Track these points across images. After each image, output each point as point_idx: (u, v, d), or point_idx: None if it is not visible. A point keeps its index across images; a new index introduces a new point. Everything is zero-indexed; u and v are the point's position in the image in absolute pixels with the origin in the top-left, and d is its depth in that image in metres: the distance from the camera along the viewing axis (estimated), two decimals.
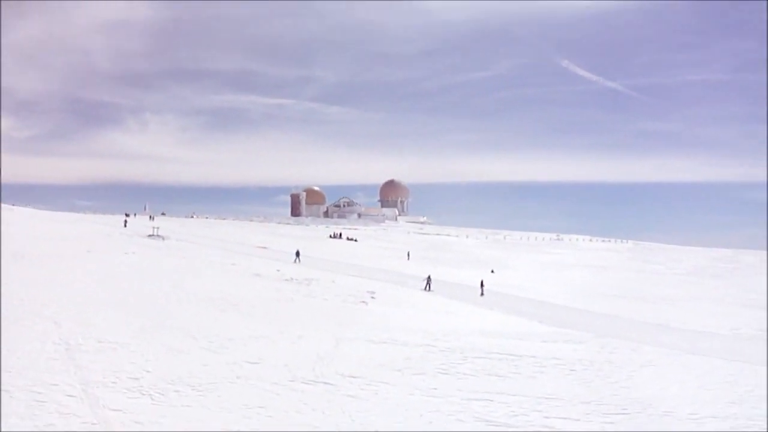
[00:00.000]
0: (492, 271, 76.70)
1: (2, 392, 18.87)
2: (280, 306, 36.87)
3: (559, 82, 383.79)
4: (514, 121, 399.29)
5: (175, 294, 36.94)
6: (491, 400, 22.06)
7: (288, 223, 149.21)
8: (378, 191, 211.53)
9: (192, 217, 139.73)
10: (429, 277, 52.13)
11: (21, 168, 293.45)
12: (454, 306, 43.74)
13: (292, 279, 46.59)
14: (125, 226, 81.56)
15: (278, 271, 50.60)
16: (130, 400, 19.42)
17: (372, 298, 42.17)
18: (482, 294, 50.50)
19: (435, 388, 23.14)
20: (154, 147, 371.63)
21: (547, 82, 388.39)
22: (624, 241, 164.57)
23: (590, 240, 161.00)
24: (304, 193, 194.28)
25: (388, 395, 22.02)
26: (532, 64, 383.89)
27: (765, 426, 21.03)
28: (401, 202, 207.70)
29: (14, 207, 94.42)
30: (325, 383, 22.75)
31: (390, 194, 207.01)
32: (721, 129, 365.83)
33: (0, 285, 33.60)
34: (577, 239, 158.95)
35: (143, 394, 20.06)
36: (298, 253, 63.75)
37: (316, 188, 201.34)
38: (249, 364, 24.33)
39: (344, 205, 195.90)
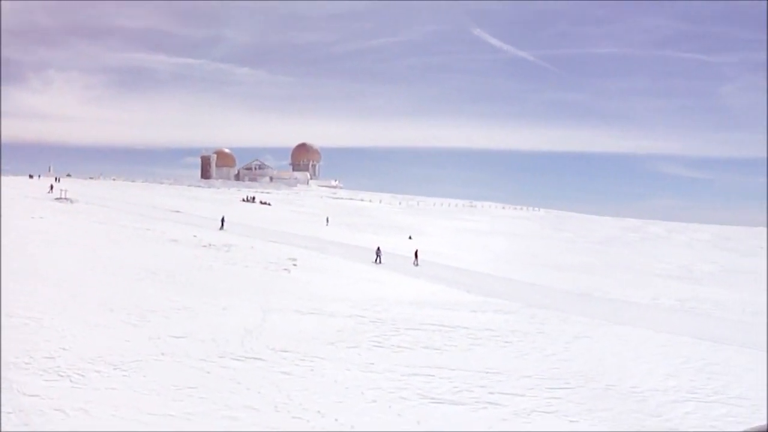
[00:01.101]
0: (410, 238, 76.33)
1: None
2: (201, 274, 35.14)
3: (471, 50, 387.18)
4: (425, 88, 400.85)
5: (89, 262, 34.70)
6: (432, 375, 21.30)
7: (199, 186, 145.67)
8: (289, 154, 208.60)
9: (92, 178, 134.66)
10: (379, 249, 50.39)
11: None
12: (379, 274, 42.82)
13: (210, 245, 44.70)
14: (51, 190, 75.73)
15: (195, 236, 48.52)
16: (47, 384, 17.65)
17: (294, 265, 40.77)
18: (417, 264, 49.20)
19: (372, 363, 22.24)
20: (58, 106, 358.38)
21: (459, 50, 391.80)
22: (536, 209, 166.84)
23: (503, 207, 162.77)
24: (215, 156, 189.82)
25: (324, 371, 20.93)
26: (445, 31, 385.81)
27: (706, 399, 20.86)
28: (313, 165, 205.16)
29: None
30: (257, 359, 21.47)
31: (302, 157, 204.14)
32: (629, 102, 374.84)
33: None
34: (490, 206, 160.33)
35: (61, 376, 18.30)
36: (223, 220, 60.82)
37: (226, 150, 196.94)
38: (174, 339, 22.77)
39: (256, 168, 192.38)
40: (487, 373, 21.98)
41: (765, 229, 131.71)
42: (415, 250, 51.96)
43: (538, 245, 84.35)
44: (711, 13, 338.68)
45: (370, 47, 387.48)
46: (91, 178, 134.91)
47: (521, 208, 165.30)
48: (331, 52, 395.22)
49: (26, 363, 18.93)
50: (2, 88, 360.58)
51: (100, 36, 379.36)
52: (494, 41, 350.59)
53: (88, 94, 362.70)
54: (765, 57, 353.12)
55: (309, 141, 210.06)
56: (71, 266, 33.27)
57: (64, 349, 20.50)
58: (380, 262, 48.45)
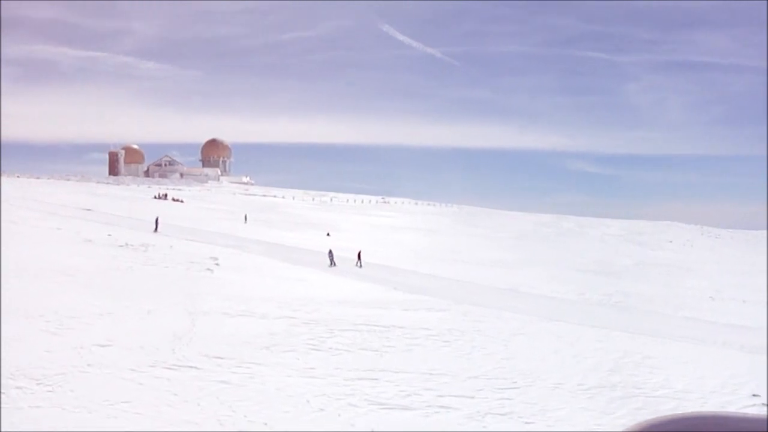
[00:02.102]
0: (328, 234, 75.18)
1: None
2: (120, 276, 33.29)
3: (380, 46, 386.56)
4: (334, 84, 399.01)
5: None
6: (376, 379, 20.51)
7: (107, 183, 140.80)
8: (199, 150, 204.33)
9: None
10: (331, 251, 48.38)
11: None
12: (303, 272, 41.59)
13: (126, 245, 42.60)
14: None
15: (110, 235, 46.26)
16: None
17: (216, 264, 39.22)
18: (333, 264, 47.27)
19: (312, 368, 21.30)
20: None
21: (368, 46, 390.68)
22: (448, 204, 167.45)
23: (416, 203, 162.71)
24: (123, 152, 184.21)
25: (264, 378, 19.83)
26: (353, 26, 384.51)
27: (653, 393, 20.73)
28: (223, 161, 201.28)
29: None
30: (191, 367, 20.19)
31: (212, 153, 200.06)
32: (535, 100, 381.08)
33: None
34: (402, 202, 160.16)
35: None
36: (157, 221, 57.49)
37: (134, 146, 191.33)
38: (99, 348, 21.22)
39: (166, 164, 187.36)
40: (432, 374, 21.31)
41: (670, 223, 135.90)
42: (358, 252, 50.01)
43: (454, 241, 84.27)
44: (613, 13, 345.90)
45: (279, 42, 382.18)
46: None
47: (434, 204, 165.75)
48: (240, 46, 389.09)
49: None
50: None
51: (0, 27, 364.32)
52: (402, 37, 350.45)
53: None
54: (665, 57, 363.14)
55: (219, 137, 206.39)
56: None
57: None
58: (335, 265, 46.61)
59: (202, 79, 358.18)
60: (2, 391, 16.83)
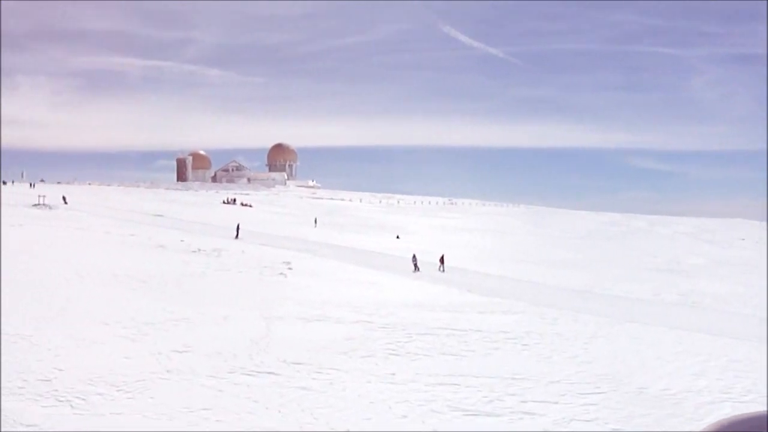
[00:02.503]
0: (397, 237, 75.07)
1: None
2: (194, 282, 33.46)
3: (441, 48, 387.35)
4: (397, 86, 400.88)
5: (75, 271, 32.87)
6: (458, 385, 20.01)
7: (176, 189, 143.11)
8: (264, 155, 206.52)
9: (68, 183, 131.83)
10: (414, 256, 47.03)
11: None
12: (375, 276, 41.33)
13: (199, 250, 42.97)
14: (65, 202, 72.51)
15: (182, 241, 46.78)
16: (44, 410, 16.03)
17: (289, 269, 39.18)
18: (417, 269, 45.95)
19: (392, 374, 20.91)
20: (27, 111, 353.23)
21: (429, 48, 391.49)
22: (516, 205, 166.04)
23: (483, 204, 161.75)
24: (191, 158, 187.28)
25: (345, 384, 19.48)
26: (414, 29, 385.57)
27: (741, 398, 19.80)
28: (289, 165, 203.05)
29: None
30: (270, 373, 19.98)
31: (278, 158, 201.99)
32: (599, 97, 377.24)
33: None
34: (470, 204, 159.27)
35: (60, 401, 16.66)
36: (238, 228, 56.93)
37: (202, 152, 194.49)
38: (177, 354, 21.19)
39: (233, 170, 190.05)
40: (514, 379, 20.80)
41: (741, 220, 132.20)
42: (441, 256, 48.76)
43: (524, 242, 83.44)
44: (677, 7, 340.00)
45: (340, 46, 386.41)
46: (59, 182, 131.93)
47: (501, 205, 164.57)
48: (301, 51, 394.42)
49: (20, 387, 17.31)
50: None
51: (67, 39, 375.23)
52: (464, 38, 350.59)
53: (57, 98, 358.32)
54: (731, 51, 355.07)
55: (284, 141, 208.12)
56: (56, 277, 31.47)
57: (59, 369, 18.87)
58: (418, 270, 45.46)
59: (265, 85, 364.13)
60: (83, 397, 16.90)
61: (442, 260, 47.88)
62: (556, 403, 18.74)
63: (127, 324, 24.20)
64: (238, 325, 25.54)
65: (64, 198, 74.36)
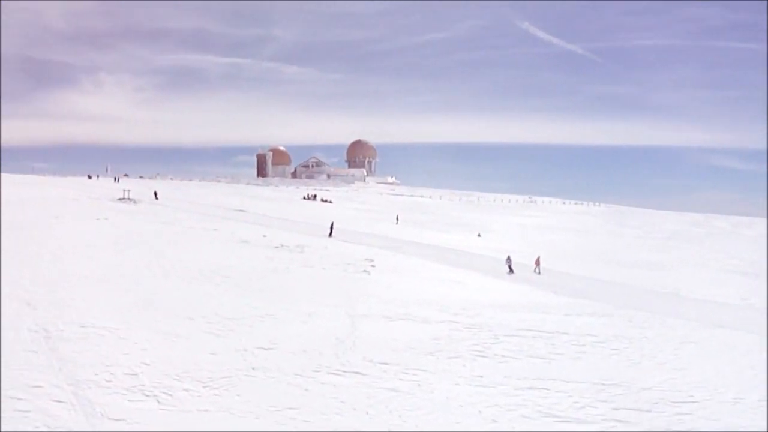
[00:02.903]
0: (479, 235, 74.17)
1: None
2: (278, 278, 33.42)
3: (519, 44, 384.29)
4: (474, 83, 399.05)
5: (160, 266, 33.29)
6: (547, 389, 19.68)
7: (257, 184, 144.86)
8: (342, 151, 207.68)
9: (150, 178, 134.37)
10: (509, 258, 45.17)
11: None
12: (459, 274, 40.65)
13: (282, 246, 43.01)
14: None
15: (265, 236, 46.96)
16: (131, 405, 16.11)
17: (372, 266, 38.88)
18: (511, 272, 44.18)
19: (480, 376, 20.55)
20: (110, 107, 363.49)
21: (506, 44, 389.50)
22: (596, 204, 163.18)
23: (563, 203, 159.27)
24: (270, 153, 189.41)
25: (432, 386, 19.16)
26: (492, 25, 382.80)
27: None
28: (369, 162, 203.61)
29: None
30: (356, 373, 19.76)
31: (357, 154, 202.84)
32: (679, 94, 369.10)
33: None
34: (549, 202, 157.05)
35: (147, 396, 16.73)
36: (332, 227, 56.23)
37: (281, 148, 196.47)
38: (262, 351, 21.12)
39: (313, 166, 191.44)
40: (604, 385, 20.33)
41: None
42: (536, 258, 47.29)
43: (606, 241, 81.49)
44: (761, 3, 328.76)
45: (419, 43, 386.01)
46: (141, 177, 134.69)
47: (581, 203, 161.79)
48: (380, 48, 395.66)
49: (107, 381, 17.45)
50: (56, 91, 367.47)
51: (149, 38, 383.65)
52: (542, 35, 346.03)
53: (139, 95, 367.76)
54: None
55: (364, 138, 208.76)
56: (141, 271, 31.90)
57: (146, 363, 18.97)
58: (512, 272, 43.70)
59: (344, 82, 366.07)
60: (170, 393, 16.89)
61: (537, 262, 46.52)
62: (649, 411, 18.32)
63: (212, 319, 24.25)
64: (322, 322, 25.39)
65: (155, 193, 75.67)
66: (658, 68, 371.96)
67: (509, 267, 44.14)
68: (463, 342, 24.16)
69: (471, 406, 17.75)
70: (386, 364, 20.74)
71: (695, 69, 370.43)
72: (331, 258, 40.40)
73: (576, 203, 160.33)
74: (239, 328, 23.54)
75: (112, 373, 17.91)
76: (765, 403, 19.30)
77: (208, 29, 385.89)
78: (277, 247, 42.72)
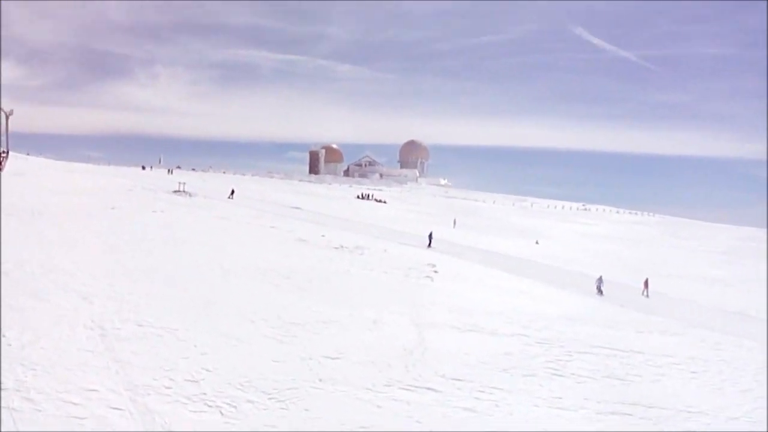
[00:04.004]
0: (537, 243, 72.94)
1: (25, 402, 14.51)
2: (339, 280, 32.29)
3: (572, 50, 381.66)
4: (526, 87, 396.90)
5: (218, 263, 32.26)
6: (630, 414, 18.69)
7: (310, 181, 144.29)
8: (393, 152, 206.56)
9: (203, 171, 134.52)
10: (600, 279, 41.35)
11: (31, 118, 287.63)
12: (524, 284, 39.29)
13: (341, 247, 41.82)
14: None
15: (323, 236, 45.84)
16: (194, 416, 15.06)
17: (435, 272, 37.56)
18: (647, 295, 42.25)
19: (559, 398, 19.44)
20: (165, 100, 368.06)
21: (560, 49, 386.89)
22: (651, 214, 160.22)
23: (617, 212, 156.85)
24: (323, 151, 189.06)
25: (511, 408, 18.06)
26: (545, 30, 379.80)
27: None
28: (421, 163, 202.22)
29: (29, 156, 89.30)
30: (430, 389, 18.62)
31: (410, 155, 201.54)
32: (732, 104, 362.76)
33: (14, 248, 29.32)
34: (603, 210, 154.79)
35: (209, 406, 15.67)
36: (431, 237, 53.04)
37: (334, 146, 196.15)
38: (329, 361, 19.98)
39: (366, 165, 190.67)
40: (690, 413, 19.36)
41: None
42: (645, 279, 44.20)
43: (664, 253, 79.49)
44: None
45: (473, 45, 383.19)
46: (194, 169, 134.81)
47: (635, 213, 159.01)
48: (434, 49, 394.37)
49: (167, 387, 16.42)
50: (112, 81, 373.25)
51: (205, 33, 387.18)
52: (596, 41, 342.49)
53: (194, 89, 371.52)
54: None
55: (417, 138, 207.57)
56: (200, 267, 30.93)
57: (206, 369, 17.91)
58: (602, 293, 40.22)
59: (397, 82, 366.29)
60: (234, 404, 15.80)
61: (646, 284, 43.50)
62: None
63: (274, 323, 23.16)
64: (389, 330, 24.27)
65: (232, 191, 73.87)
66: (713, 77, 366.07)
67: (598, 288, 40.79)
68: (537, 358, 23.04)
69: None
70: (460, 380, 19.57)
71: (751, 79, 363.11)
72: (392, 261, 39.16)
73: (630, 213, 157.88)
74: (303, 333, 22.42)
75: (171, 379, 16.88)
76: None
77: (263, 25, 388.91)
78: (336, 247, 41.60)
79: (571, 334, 27.00)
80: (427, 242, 52.28)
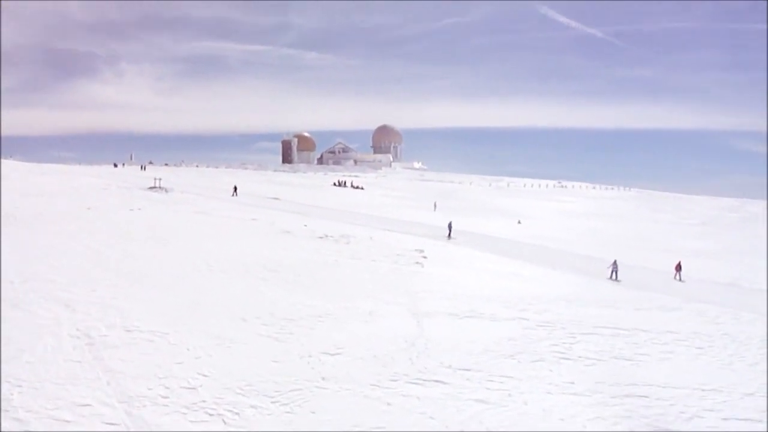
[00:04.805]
0: (519, 222, 72.57)
1: (14, 422, 13.55)
2: (328, 271, 31.44)
3: (539, 29, 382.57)
4: (493, 68, 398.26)
5: (203, 260, 31.33)
6: (647, 396, 18.10)
7: (284, 171, 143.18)
8: (366, 137, 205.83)
9: (176, 165, 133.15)
10: (615, 263, 38.90)
11: None
12: (513, 265, 38.59)
13: (326, 236, 40.94)
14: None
15: (306, 226, 44.94)
16: (195, 427, 14.10)
17: (423, 257, 36.83)
18: (681, 280, 39.67)
19: (571, 383, 18.82)
20: (132, 96, 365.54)
21: (526, 28, 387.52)
22: (627, 188, 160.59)
23: (593, 187, 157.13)
24: (296, 140, 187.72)
25: (524, 397, 17.39)
26: (511, 9, 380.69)
27: None
28: (394, 147, 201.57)
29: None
30: (438, 381, 17.91)
31: (383, 140, 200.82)
32: (702, 77, 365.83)
33: None
34: (580, 186, 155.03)
35: (210, 415, 14.80)
36: (450, 227, 50.79)
37: (306, 134, 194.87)
38: (329, 357, 19.17)
39: (339, 152, 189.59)
40: (704, 391, 18.83)
41: None
42: (677, 263, 41.44)
43: (646, 228, 79.58)
44: None
45: (437, 28, 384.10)
46: (166, 164, 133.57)
47: (611, 188, 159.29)
48: (398, 35, 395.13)
49: (163, 397, 15.54)
50: (78, 81, 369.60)
51: (168, 27, 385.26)
52: (562, 19, 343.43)
53: (160, 84, 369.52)
54: None
55: (389, 123, 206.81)
56: (184, 266, 29.94)
57: (203, 375, 17.02)
58: (616, 278, 38.07)
59: (364, 67, 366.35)
60: (236, 410, 14.91)
61: (678, 267, 41.03)
62: (761, 420, 16.99)
63: (267, 320, 22.29)
64: (386, 321, 23.50)
65: (235, 188, 71.83)
66: (680, 51, 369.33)
67: (613, 272, 38.68)
68: (541, 342, 22.43)
69: (571, 419, 16.06)
70: (467, 370, 18.85)
71: (717, 51, 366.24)
72: (380, 249, 38.33)
73: (607, 188, 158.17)
74: (298, 330, 21.56)
75: (167, 387, 15.97)
76: None
77: (227, 17, 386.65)
78: (321, 237, 40.70)
79: (571, 316, 26.45)
80: (447, 232, 50.33)
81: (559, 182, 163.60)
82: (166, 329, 20.42)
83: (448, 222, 52.30)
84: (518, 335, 22.98)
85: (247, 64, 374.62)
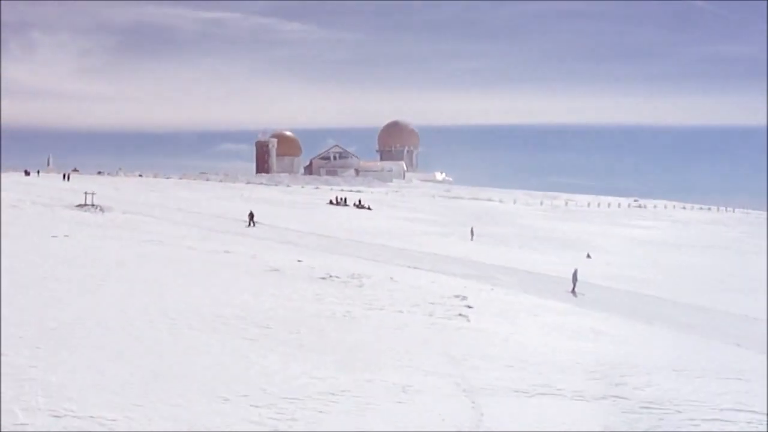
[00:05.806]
0: (588, 256, 72.45)
1: None
2: (339, 328, 30.52)
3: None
4: (540, 44, 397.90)
5: (160, 311, 30.24)
6: None
7: (261, 183, 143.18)
8: (373, 138, 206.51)
9: (109, 174, 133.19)
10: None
11: None
12: (594, 318, 38.14)
13: (330, 276, 40.41)
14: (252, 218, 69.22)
15: (300, 261, 44.33)
16: None
17: (468, 307, 36.31)
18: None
19: None
20: (46, 78, 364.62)
21: None
22: (729, 209, 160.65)
23: (683, 207, 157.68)
24: (275, 141, 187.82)
25: None
26: None
27: None
28: (409, 152, 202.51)
29: None
30: None
31: (394, 142, 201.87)
32: None
33: None
34: (664, 206, 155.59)
35: None
36: (576, 278, 48.49)
37: (288, 134, 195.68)
38: None
39: (335, 157, 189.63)
40: None
41: None
42: None
43: (760, 263, 78.33)
44: None
45: None
46: (99, 172, 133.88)
47: (708, 208, 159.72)
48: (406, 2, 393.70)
49: None
50: None
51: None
52: None
53: (86, 62, 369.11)
54: None
55: (401, 119, 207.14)
56: (132, 320, 28.72)
57: None
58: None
59: (364, 43, 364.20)
60: None
61: None
62: None
63: (258, 400, 21.02)
64: (426, 400, 22.40)
65: (251, 216, 70.21)
66: None
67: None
68: None
69: None
70: None
71: None
72: (406, 295, 37.85)
73: (701, 208, 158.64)
74: (303, 414, 20.30)
75: None
76: None
77: None
78: (323, 278, 40.18)
79: (686, 393, 25.46)
80: (571, 286, 48.29)
81: (636, 200, 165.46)
82: (113, 414, 19.02)
83: (573, 270, 49.86)
84: (617, 422, 22.07)
85: (206, 37, 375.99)
